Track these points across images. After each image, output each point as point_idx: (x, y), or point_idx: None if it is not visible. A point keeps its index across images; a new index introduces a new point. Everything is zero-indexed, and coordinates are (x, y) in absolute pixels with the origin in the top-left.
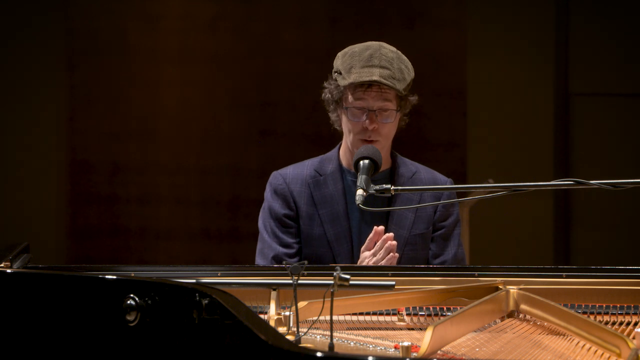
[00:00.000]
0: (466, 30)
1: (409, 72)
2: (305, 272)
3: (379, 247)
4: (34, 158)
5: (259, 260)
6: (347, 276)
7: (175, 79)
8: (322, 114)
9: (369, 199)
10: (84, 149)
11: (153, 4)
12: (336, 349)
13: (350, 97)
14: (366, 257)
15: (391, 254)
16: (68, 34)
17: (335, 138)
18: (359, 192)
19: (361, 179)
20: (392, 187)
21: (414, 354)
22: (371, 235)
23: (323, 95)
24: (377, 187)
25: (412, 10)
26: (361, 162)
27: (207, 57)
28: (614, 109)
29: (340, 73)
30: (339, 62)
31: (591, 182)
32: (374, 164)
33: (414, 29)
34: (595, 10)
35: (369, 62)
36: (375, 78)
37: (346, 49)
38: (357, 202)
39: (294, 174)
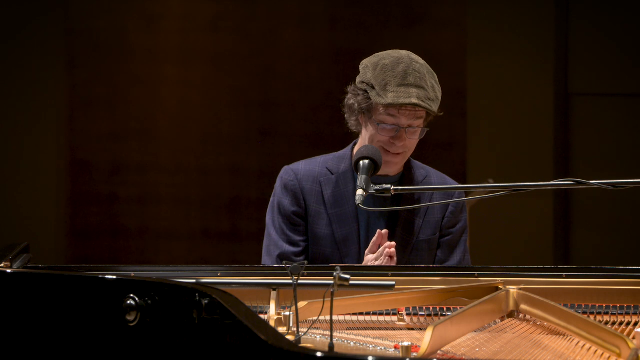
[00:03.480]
0: (466, 30)
1: (440, 89)
2: (305, 272)
3: (381, 252)
4: (33, 158)
5: (265, 258)
6: (347, 276)
7: (175, 79)
8: (322, 114)
9: (377, 200)
10: (84, 149)
11: (153, 4)
12: (336, 349)
13: (381, 111)
14: (369, 261)
15: (388, 257)
16: (68, 34)
17: (335, 138)
18: (359, 192)
19: (361, 179)
20: (392, 187)
21: (414, 354)
22: (374, 238)
23: (347, 100)
24: (377, 187)
25: (412, 10)
26: (361, 162)
27: (207, 57)
28: (614, 109)
29: (374, 87)
30: (369, 74)
31: (591, 182)
32: (374, 164)
33: (414, 29)
34: (595, 10)
35: (404, 81)
36: (414, 101)
37: (375, 60)
38: (357, 202)
39: (305, 171)
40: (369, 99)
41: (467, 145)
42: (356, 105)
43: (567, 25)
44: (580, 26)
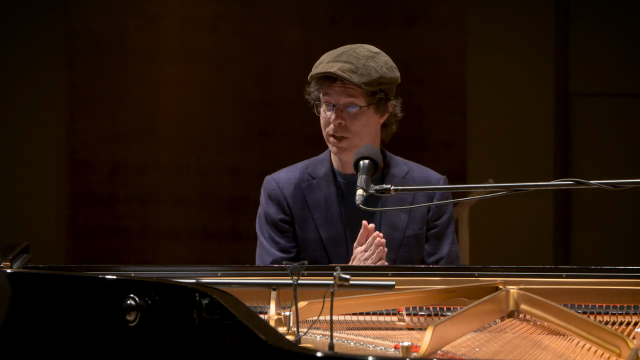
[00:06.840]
0: (466, 30)
1: (378, 71)
2: (305, 272)
3: (369, 243)
4: (34, 158)
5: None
6: (347, 276)
7: (175, 79)
8: None
9: (370, 200)
10: (84, 149)
11: (153, 4)
12: (336, 349)
13: (320, 94)
14: (359, 253)
15: (380, 247)
16: (68, 34)
17: None
18: (359, 192)
19: (361, 179)
20: (392, 187)
21: (414, 354)
22: (361, 231)
23: (305, 95)
24: (377, 187)
25: (412, 10)
26: (361, 162)
27: (207, 57)
28: (614, 109)
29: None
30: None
31: (591, 182)
32: (374, 164)
33: (414, 29)
34: (595, 10)
35: (336, 58)
36: (331, 70)
37: None
38: (358, 202)
39: (286, 178)
40: (309, 83)
41: (467, 145)
42: (308, 96)
43: (567, 25)
44: (580, 26)
